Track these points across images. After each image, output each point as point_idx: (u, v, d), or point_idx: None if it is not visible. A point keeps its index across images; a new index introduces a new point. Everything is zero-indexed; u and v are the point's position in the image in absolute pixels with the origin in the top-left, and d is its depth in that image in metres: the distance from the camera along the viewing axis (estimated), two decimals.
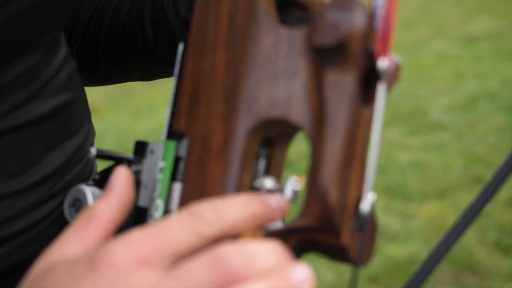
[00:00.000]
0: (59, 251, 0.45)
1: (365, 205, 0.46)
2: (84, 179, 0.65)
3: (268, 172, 0.52)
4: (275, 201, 0.46)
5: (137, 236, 0.42)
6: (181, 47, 0.56)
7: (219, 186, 0.50)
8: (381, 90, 0.47)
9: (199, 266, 0.41)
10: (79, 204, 0.57)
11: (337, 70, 0.46)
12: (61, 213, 0.63)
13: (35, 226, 0.60)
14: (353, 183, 0.47)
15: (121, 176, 0.48)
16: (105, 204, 0.47)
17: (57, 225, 0.63)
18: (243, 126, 0.50)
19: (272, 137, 0.52)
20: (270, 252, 0.42)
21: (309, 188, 0.47)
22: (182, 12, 0.73)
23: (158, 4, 0.75)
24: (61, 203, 0.63)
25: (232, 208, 0.45)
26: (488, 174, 2.92)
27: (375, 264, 2.52)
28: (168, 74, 0.81)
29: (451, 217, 2.78)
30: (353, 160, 0.47)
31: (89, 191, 0.57)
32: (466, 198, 2.88)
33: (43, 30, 0.59)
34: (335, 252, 0.48)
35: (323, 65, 0.47)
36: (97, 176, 0.61)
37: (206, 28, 0.52)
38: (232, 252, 0.41)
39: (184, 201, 0.51)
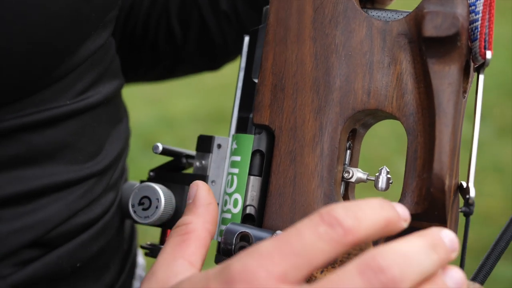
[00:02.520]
0: (168, 272, 0.44)
1: (472, 192, 0.47)
2: (121, 175, 0.62)
3: (350, 163, 0.53)
4: (401, 208, 0.41)
5: (270, 249, 0.38)
6: (246, 39, 0.55)
7: (315, 178, 0.49)
8: (481, 79, 0.48)
9: (349, 278, 0.37)
10: (148, 202, 0.55)
11: (443, 60, 0.47)
12: (117, 208, 0.60)
13: (103, 217, 0.58)
14: (455, 171, 0.48)
15: (203, 188, 0.48)
16: (196, 217, 0.47)
17: (117, 218, 0.60)
18: (338, 117, 0.50)
19: (356, 127, 0.52)
20: (424, 253, 0.38)
21: (416, 177, 0.48)
22: (223, 6, 0.71)
23: None
24: (117, 195, 0.60)
25: (368, 213, 0.39)
26: None
27: None
28: (191, 72, 0.78)
29: None
30: (456, 149, 0.48)
31: (160, 189, 0.55)
32: None
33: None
34: None
35: (428, 55, 0.48)
36: (152, 173, 0.59)
37: (287, 19, 0.52)
38: (387, 259, 0.37)
39: (275, 193, 0.50)
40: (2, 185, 0.52)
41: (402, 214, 0.41)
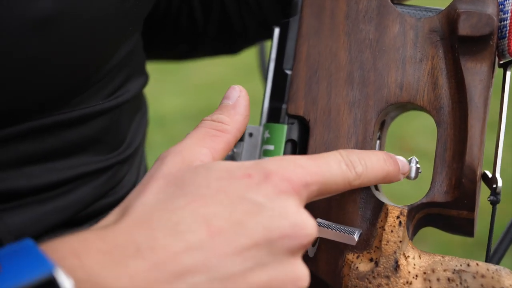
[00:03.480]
0: (194, 155, 0.45)
1: (500, 181, 0.50)
2: (140, 159, 0.66)
3: None
4: (402, 163, 0.50)
5: (304, 163, 0.44)
6: (277, 30, 0.57)
7: None
8: (508, 76, 0.51)
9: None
10: None
11: (475, 58, 0.50)
12: None
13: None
14: (481, 161, 0.51)
15: (245, 98, 0.49)
16: (233, 122, 0.47)
17: None
18: (372, 110, 0.52)
19: (385, 119, 0.55)
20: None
21: (446, 167, 0.50)
22: None
23: None
24: (137, 177, 0.64)
25: (375, 164, 0.48)
26: None
27: None
28: (210, 54, 0.80)
29: None
30: (483, 141, 0.51)
31: None
32: None
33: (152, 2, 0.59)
34: (460, 225, 0.51)
35: (461, 53, 0.50)
36: None
37: (321, 13, 0.54)
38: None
39: None
40: (37, 175, 0.55)
41: (402, 168, 0.50)
